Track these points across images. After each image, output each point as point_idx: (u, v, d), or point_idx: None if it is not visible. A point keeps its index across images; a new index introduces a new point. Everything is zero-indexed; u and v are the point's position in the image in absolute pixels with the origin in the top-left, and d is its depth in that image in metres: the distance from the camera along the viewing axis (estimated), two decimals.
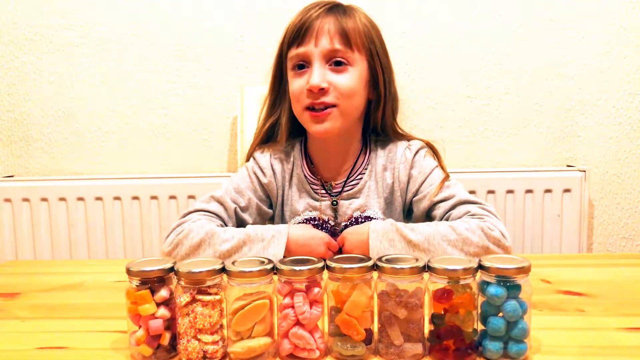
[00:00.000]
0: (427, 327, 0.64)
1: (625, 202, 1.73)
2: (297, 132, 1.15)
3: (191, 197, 1.66)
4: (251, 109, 1.58)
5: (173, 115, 1.71)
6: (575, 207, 1.63)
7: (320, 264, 0.63)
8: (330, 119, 1.03)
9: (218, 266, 0.63)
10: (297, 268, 0.62)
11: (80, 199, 1.66)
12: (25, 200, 1.67)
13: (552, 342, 0.67)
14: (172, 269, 0.64)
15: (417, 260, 0.63)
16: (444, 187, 1.04)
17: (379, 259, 0.64)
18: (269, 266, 0.63)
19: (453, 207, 1.02)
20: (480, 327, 0.63)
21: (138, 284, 0.63)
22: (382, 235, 0.94)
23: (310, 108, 1.03)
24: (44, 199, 1.67)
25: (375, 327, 0.64)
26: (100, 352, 0.67)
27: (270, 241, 0.95)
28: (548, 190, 1.64)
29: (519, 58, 1.67)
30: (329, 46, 1.01)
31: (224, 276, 0.63)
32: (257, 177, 1.12)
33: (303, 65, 1.04)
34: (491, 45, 1.67)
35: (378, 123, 1.11)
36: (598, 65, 1.68)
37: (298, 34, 1.03)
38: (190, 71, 1.69)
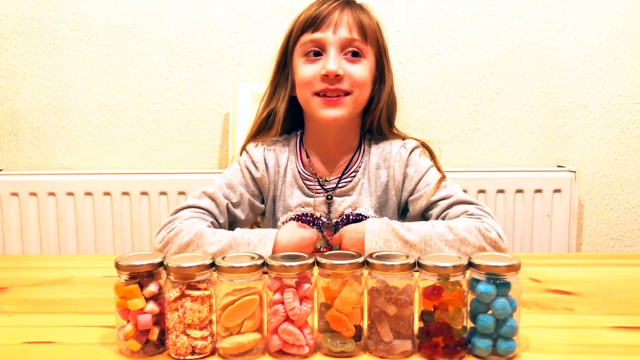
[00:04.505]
0: (417, 324, 0.64)
1: (615, 203, 1.74)
2: (294, 125, 1.16)
3: (182, 193, 1.65)
4: (243, 106, 1.58)
5: (164, 111, 1.70)
6: (565, 207, 1.64)
7: (311, 260, 0.63)
8: (342, 106, 1.04)
9: (208, 261, 0.63)
10: (287, 264, 0.62)
11: (70, 194, 1.65)
12: (14, 194, 1.65)
13: (540, 340, 0.67)
14: (161, 264, 0.63)
15: (407, 257, 0.63)
16: (440, 186, 1.04)
17: (370, 256, 0.64)
18: (259, 262, 0.63)
19: (450, 207, 1.02)
20: (469, 324, 0.63)
21: (127, 279, 0.63)
22: (377, 236, 0.93)
23: (322, 95, 1.04)
24: (33, 194, 1.65)
25: (365, 324, 0.64)
26: (88, 347, 0.67)
27: (256, 245, 0.93)
28: (538, 191, 1.64)
29: (511, 58, 1.68)
30: (347, 35, 1.03)
31: (214, 271, 0.63)
32: (250, 172, 1.11)
33: (317, 52, 1.05)
34: (483, 45, 1.67)
35: (375, 120, 1.11)
36: (589, 66, 1.68)
37: (315, 21, 1.04)
38: (182, 67, 1.68)
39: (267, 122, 1.14)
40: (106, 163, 1.73)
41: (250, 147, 1.14)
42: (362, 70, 1.05)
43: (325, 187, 1.11)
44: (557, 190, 1.64)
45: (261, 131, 1.15)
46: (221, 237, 0.94)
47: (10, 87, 1.69)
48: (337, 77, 1.02)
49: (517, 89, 1.69)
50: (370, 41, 1.06)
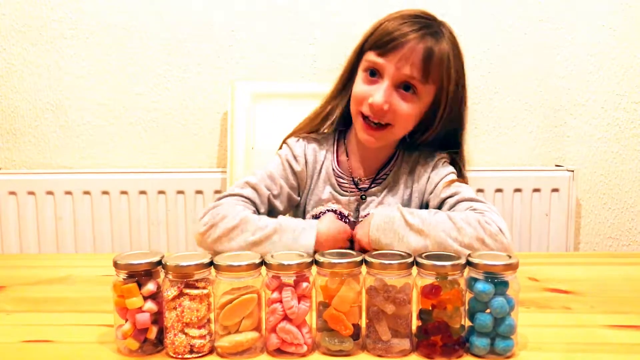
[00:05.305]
0: (415, 323, 0.64)
1: (612, 202, 1.74)
2: (344, 122, 1.18)
3: (180, 192, 1.65)
4: (241, 105, 1.58)
5: (163, 110, 1.70)
6: (563, 206, 1.64)
7: (309, 259, 0.63)
8: (379, 136, 1.06)
9: (206, 260, 0.63)
10: (286, 262, 0.62)
11: (68, 192, 1.65)
12: (12, 193, 1.65)
13: (538, 338, 0.67)
14: (159, 263, 0.63)
15: (405, 256, 0.63)
16: (453, 186, 1.06)
17: (368, 254, 0.64)
18: (257, 260, 0.63)
19: (456, 204, 1.03)
20: (467, 323, 0.63)
21: (125, 277, 0.63)
22: (384, 215, 0.97)
23: (365, 117, 1.05)
24: (31, 193, 1.65)
25: (363, 323, 0.64)
26: (86, 346, 0.67)
27: (301, 232, 0.97)
28: (536, 190, 1.65)
29: (509, 58, 1.68)
30: (408, 73, 1.01)
31: (212, 270, 0.63)
32: (290, 165, 1.14)
33: (375, 73, 1.04)
34: (482, 44, 1.68)
35: (421, 140, 1.12)
36: (587, 66, 1.69)
37: (386, 43, 1.02)
38: (180, 65, 1.68)
39: (327, 116, 1.16)
40: (104, 162, 1.72)
41: (292, 141, 1.17)
42: (409, 109, 1.04)
43: (358, 187, 1.14)
44: (555, 190, 1.64)
45: (318, 123, 1.17)
46: (267, 223, 0.98)
47: (8, 85, 1.69)
48: (382, 110, 1.02)
49: (515, 89, 1.69)
50: (433, 79, 1.03)
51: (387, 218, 0.96)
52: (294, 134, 1.19)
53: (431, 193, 1.10)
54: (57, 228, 1.66)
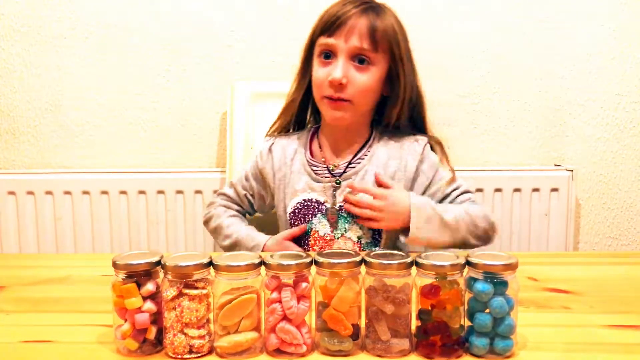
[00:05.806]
0: (414, 323, 0.64)
1: (612, 202, 1.74)
2: (316, 121, 1.26)
3: (179, 192, 1.65)
4: (241, 105, 1.57)
5: (162, 110, 1.70)
6: (563, 206, 1.64)
7: (309, 259, 0.63)
8: (344, 110, 1.12)
9: (205, 260, 0.63)
10: (285, 262, 0.62)
11: (67, 192, 1.65)
12: (11, 193, 1.65)
13: (538, 338, 0.68)
14: (158, 263, 0.63)
15: (405, 256, 0.64)
16: (450, 181, 1.17)
17: (367, 254, 0.64)
18: (257, 260, 0.63)
19: (459, 196, 1.16)
20: (467, 323, 0.63)
21: (124, 277, 0.63)
22: (422, 213, 1.06)
23: (328, 97, 1.12)
24: (30, 193, 1.65)
25: (363, 323, 0.64)
26: (85, 346, 0.67)
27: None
28: (536, 189, 1.65)
29: (508, 58, 1.68)
30: (358, 44, 1.09)
31: (211, 270, 0.63)
32: (257, 162, 1.24)
33: (329, 55, 1.11)
34: (481, 44, 1.67)
35: (392, 119, 1.18)
36: (587, 66, 1.69)
37: (331, 25, 1.10)
38: (180, 65, 1.68)
39: (287, 108, 1.24)
40: (104, 162, 1.72)
41: (263, 140, 1.27)
42: (366, 79, 1.11)
43: (333, 173, 1.17)
44: (555, 189, 1.64)
45: (281, 118, 1.26)
46: (231, 233, 1.18)
47: (7, 85, 1.69)
48: (341, 85, 1.09)
49: (514, 88, 1.69)
50: (382, 49, 1.11)
51: (425, 217, 1.05)
52: (266, 134, 1.28)
53: (429, 186, 1.16)
54: (57, 228, 1.66)
